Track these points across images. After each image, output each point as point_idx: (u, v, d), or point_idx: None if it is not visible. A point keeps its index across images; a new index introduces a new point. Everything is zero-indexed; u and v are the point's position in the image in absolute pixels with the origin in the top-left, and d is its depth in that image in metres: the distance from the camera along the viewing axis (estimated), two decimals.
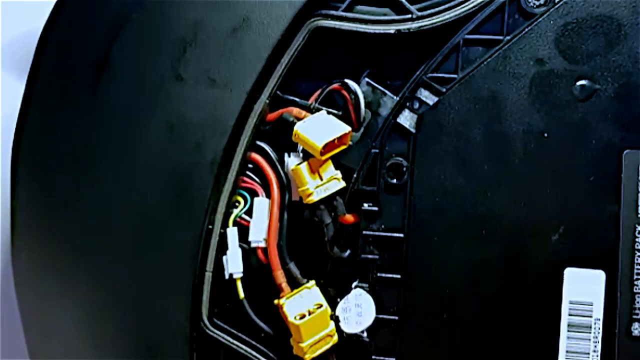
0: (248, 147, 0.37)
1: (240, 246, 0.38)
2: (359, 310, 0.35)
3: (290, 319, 0.34)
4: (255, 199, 0.38)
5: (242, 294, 0.37)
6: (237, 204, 0.38)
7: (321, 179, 0.36)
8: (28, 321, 0.40)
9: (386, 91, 0.37)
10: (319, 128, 0.36)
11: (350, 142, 0.37)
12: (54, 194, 0.38)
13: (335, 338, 0.35)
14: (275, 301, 0.36)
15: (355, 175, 0.37)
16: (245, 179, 0.38)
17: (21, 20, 0.53)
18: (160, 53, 0.37)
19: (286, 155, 0.38)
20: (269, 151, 0.38)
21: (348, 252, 0.37)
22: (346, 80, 0.37)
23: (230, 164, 0.37)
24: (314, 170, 0.36)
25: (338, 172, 0.36)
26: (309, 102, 0.38)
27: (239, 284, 0.37)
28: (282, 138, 0.38)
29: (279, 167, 0.38)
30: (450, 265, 0.35)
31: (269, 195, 0.38)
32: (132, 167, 0.37)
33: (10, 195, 0.40)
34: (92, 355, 0.37)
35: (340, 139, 0.36)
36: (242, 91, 0.36)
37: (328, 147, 0.35)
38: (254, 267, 0.38)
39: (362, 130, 0.38)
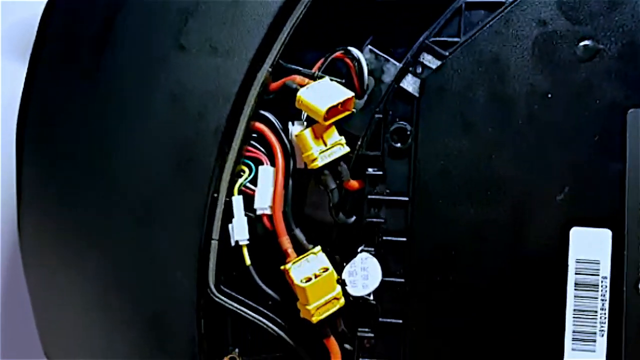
0: (252, 116, 0.37)
1: (246, 215, 0.38)
2: (365, 274, 0.35)
3: (297, 282, 0.34)
4: (260, 167, 0.38)
5: (248, 261, 0.37)
6: (242, 173, 0.38)
7: (325, 145, 0.36)
8: (36, 294, 0.40)
9: (389, 58, 0.38)
10: (322, 93, 0.36)
11: (354, 110, 0.37)
12: (60, 167, 0.38)
13: (342, 301, 0.35)
14: (282, 267, 0.36)
15: (359, 142, 0.37)
16: (250, 148, 0.38)
17: (21, 5, 0.54)
18: (162, 23, 0.37)
19: (290, 123, 0.38)
20: (272, 120, 0.38)
21: (353, 218, 0.37)
22: (349, 48, 0.37)
23: (234, 133, 0.37)
24: (318, 136, 0.36)
25: (342, 137, 0.36)
26: (312, 71, 0.38)
27: (245, 251, 0.37)
28: (286, 108, 0.38)
29: (282, 135, 0.38)
30: (455, 227, 0.35)
31: (273, 163, 0.38)
32: (136, 138, 0.37)
33: (16, 172, 0.41)
34: (99, 325, 0.37)
35: (344, 105, 0.36)
36: (244, 59, 0.36)
37: (331, 112, 0.35)
38: (260, 236, 0.38)
39: (365, 97, 0.38)
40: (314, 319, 0.34)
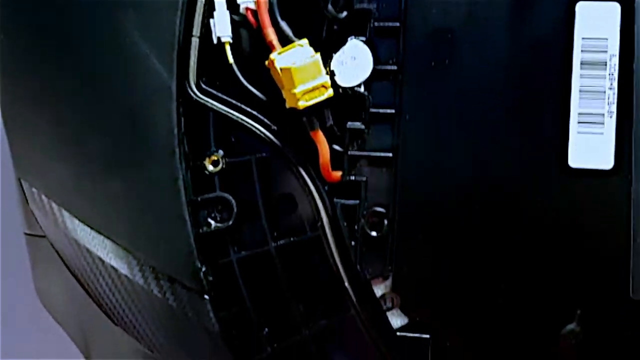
0: None
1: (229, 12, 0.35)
2: (355, 63, 0.33)
3: (282, 65, 0.32)
4: None
5: (231, 59, 0.35)
6: None
7: None
8: (13, 133, 0.38)
9: None
10: None
11: None
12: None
13: (331, 92, 0.33)
14: (266, 61, 0.34)
15: None
16: None
17: None
18: None
19: None
20: None
21: (345, 13, 0.34)
22: None
23: None
24: None
25: None
26: None
27: (228, 49, 0.35)
28: None
29: None
30: (452, 7, 0.32)
31: None
32: None
33: None
34: (74, 123, 0.35)
35: None
36: None
37: None
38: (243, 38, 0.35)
39: None
40: (301, 105, 0.32)
